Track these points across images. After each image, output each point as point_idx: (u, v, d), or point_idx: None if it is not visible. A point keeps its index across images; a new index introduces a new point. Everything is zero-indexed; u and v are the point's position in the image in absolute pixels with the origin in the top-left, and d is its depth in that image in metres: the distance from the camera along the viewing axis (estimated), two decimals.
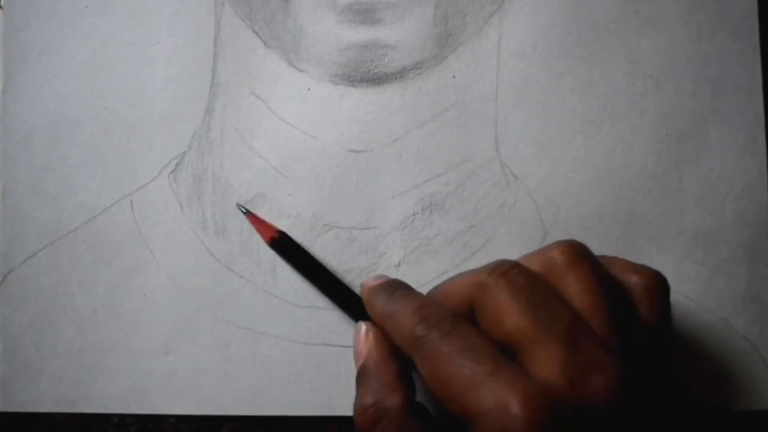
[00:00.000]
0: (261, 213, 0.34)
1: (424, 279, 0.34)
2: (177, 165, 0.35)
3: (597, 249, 0.27)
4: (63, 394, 0.34)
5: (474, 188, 0.34)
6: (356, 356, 0.29)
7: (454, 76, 0.34)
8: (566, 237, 0.33)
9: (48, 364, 0.34)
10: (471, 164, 0.34)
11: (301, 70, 0.34)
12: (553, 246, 0.26)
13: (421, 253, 0.34)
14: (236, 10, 0.35)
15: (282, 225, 0.34)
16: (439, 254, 0.34)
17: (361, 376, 0.28)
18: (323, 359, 0.33)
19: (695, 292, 0.34)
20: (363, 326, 0.29)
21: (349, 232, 0.34)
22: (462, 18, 0.34)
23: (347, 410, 0.33)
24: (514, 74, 0.34)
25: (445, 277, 0.33)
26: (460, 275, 0.27)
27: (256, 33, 0.35)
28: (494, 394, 0.22)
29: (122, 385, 0.34)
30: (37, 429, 0.34)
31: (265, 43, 0.35)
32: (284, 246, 0.33)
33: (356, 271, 0.34)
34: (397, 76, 0.34)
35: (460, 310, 0.26)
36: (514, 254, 0.33)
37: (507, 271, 0.25)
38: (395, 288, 0.28)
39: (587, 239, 0.33)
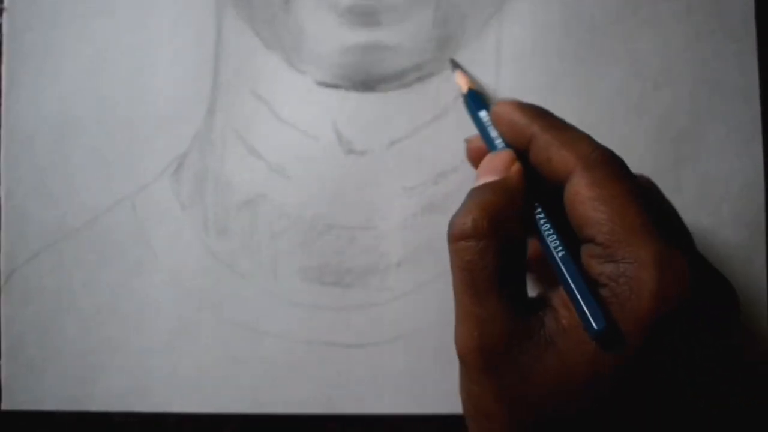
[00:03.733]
0: (261, 213, 0.34)
1: (424, 279, 0.34)
2: (178, 165, 0.35)
3: None
4: (66, 392, 0.34)
5: None
6: (485, 172, 0.26)
7: (453, 78, 0.35)
8: None
9: (51, 363, 0.34)
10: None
11: (302, 72, 0.34)
12: None
13: (421, 253, 0.34)
14: (238, 11, 0.35)
15: (282, 225, 0.34)
16: (439, 254, 0.34)
17: (484, 191, 0.25)
18: (324, 358, 0.34)
19: None
20: (508, 152, 0.26)
21: (349, 232, 0.34)
22: (461, 20, 0.34)
23: (348, 409, 0.33)
24: (513, 76, 0.35)
25: (446, 277, 0.34)
26: (565, 132, 0.25)
27: (258, 34, 0.35)
28: (664, 247, 0.22)
29: (125, 383, 0.34)
30: (40, 427, 0.34)
31: (266, 45, 0.35)
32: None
33: (357, 270, 0.34)
34: (397, 77, 0.34)
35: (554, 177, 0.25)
36: None
37: (620, 163, 0.24)
38: (544, 110, 0.27)
39: None
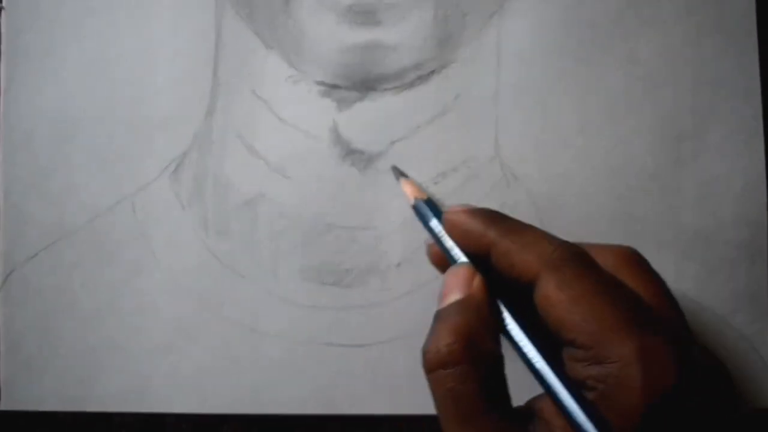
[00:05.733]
0: (261, 213, 0.34)
1: (424, 279, 0.34)
2: (178, 165, 0.35)
3: None
4: (65, 393, 0.34)
5: (474, 189, 0.34)
6: (446, 292, 0.25)
7: (454, 77, 0.34)
8: (566, 237, 0.34)
9: (50, 363, 0.34)
10: (471, 165, 0.34)
11: (302, 71, 0.34)
12: (605, 250, 0.26)
13: (421, 253, 0.34)
14: (237, 11, 0.35)
15: (282, 225, 0.34)
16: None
17: (451, 313, 0.25)
18: (324, 358, 0.34)
19: (694, 291, 0.34)
20: (467, 268, 0.26)
21: (349, 232, 0.34)
22: (462, 19, 0.34)
23: (348, 409, 0.33)
24: (514, 75, 0.35)
25: None
26: (523, 235, 0.25)
27: (257, 34, 0.35)
28: (645, 340, 0.21)
29: (124, 384, 0.34)
30: (40, 427, 0.34)
31: (266, 45, 0.35)
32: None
33: (356, 271, 0.34)
34: (398, 76, 0.34)
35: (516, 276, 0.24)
36: None
37: (584, 257, 0.24)
38: (496, 214, 0.26)
39: (587, 239, 0.33)
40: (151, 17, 0.35)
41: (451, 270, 0.26)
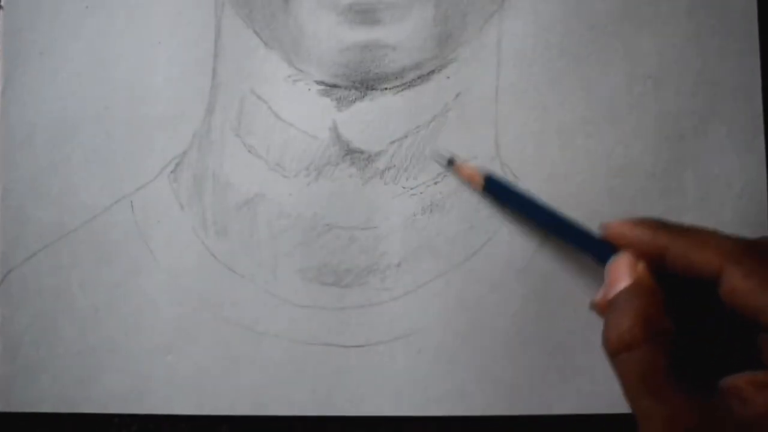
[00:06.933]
0: (261, 213, 0.34)
1: (424, 279, 0.34)
2: (177, 165, 0.35)
3: None
4: (64, 394, 0.34)
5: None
6: (613, 282, 0.27)
7: (454, 77, 0.34)
8: None
9: (48, 364, 0.34)
10: None
11: (302, 71, 0.34)
12: None
13: (421, 253, 0.34)
14: (237, 10, 0.35)
15: (282, 225, 0.34)
16: (439, 254, 0.34)
17: (623, 299, 0.26)
18: (323, 359, 0.33)
19: None
20: (629, 256, 0.28)
21: (349, 232, 0.34)
22: (462, 18, 0.34)
23: (347, 410, 0.33)
24: (514, 74, 0.35)
25: (446, 277, 0.34)
26: (696, 235, 0.27)
27: (257, 33, 0.35)
28: None
29: (123, 385, 0.34)
30: (38, 429, 0.34)
31: (265, 44, 0.35)
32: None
33: (356, 270, 0.34)
34: (398, 76, 0.34)
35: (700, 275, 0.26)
36: (514, 255, 0.33)
37: (760, 245, 0.25)
38: (659, 220, 0.28)
39: None
40: (151, 17, 0.35)
41: (612, 261, 0.28)
